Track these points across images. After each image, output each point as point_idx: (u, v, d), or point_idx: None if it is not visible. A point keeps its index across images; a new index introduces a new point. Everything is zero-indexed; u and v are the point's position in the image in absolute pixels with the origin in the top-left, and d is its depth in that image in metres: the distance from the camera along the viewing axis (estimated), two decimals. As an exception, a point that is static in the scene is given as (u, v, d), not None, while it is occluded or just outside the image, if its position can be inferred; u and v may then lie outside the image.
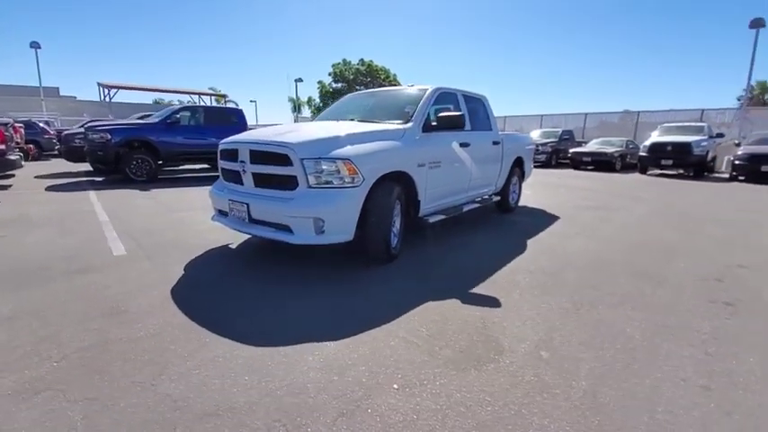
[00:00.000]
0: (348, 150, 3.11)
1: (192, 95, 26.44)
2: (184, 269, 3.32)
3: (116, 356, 2.02)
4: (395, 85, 28.60)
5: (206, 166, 11.97)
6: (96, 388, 1.77)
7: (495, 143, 5.28)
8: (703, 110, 18.15)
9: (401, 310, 2.62)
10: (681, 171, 13.48)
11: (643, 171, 13.94)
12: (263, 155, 3.20)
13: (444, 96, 4.46)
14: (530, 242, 4.41)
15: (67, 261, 3.45)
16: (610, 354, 2.15)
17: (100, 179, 8.94)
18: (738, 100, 35.30)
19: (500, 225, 5.35)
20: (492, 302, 2.78)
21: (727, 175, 13.21)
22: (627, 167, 15.26)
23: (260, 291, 2.93)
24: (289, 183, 3.11)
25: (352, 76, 27.18)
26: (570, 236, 4.72)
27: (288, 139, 3.12)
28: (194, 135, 9.27)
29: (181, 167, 11.07)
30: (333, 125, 3.66)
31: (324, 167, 3.01)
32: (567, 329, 2.42)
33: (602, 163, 14.96)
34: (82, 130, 9.00)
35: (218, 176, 3.96)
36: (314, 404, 1.69)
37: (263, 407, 1.67)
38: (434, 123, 3.94)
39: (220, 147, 3.70)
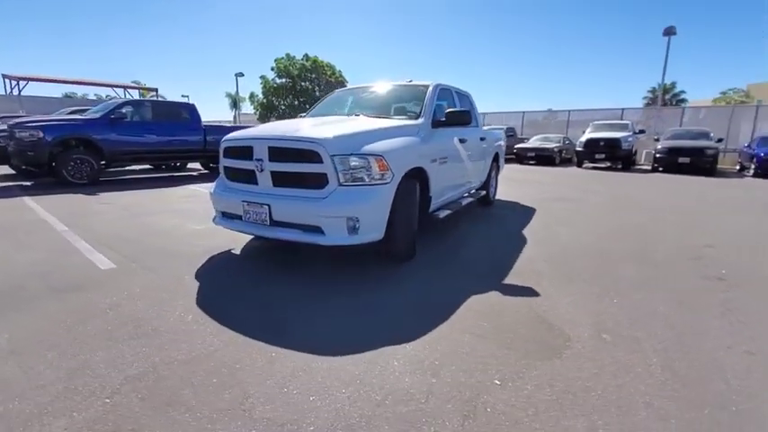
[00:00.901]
0: (379, 146, 3.01)
1: (116, 89, 23.74)
2: (196, 279, 3.00)
3: (178, 383, 1.76)
4: (341, 82, 28.38)
5: (148, 166, 10.94)
6: (180, 424, 1.53)
7: (482, 139, 5.45)
8: (623, 108, 20.35)
9: (449, 305, 2.61)
10: (609, 164, 15.04)
11: (579, 164, 15.33)
12: (286, 152, 2.98)
13: (443, 92, 4.50)
14: (525, 233, 4.62)
15: (43, 278, 2.94)
16: (659, 331, 2.33)
17: (29, 183, 7.73)
18: (644, 99, 40.05)
19: (490, 218, 5.55)
20: (529, 292, 2.88)
21: (648, 167, 15.00)
22: (564, 162, 16.67)
23: (293, 295, 2.74)
24: (316, 181, 2.93)
25: (296, 72, 26.26)
26: (554, 226, 5.03)
27: (315, 135, 2.94)
28: (142, 132, 8.38)
29: (119, 168, 9.95)
30: (350, 120, 3.52)
31: (356, 164, 2.89)
32: (611, 312, 2.57)
33: (543, 158, 16.16)
34: (4, 127, 7.68)
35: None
36: (431, 410, 1.62)
37: (382, 419, 1.56)
38: (443, 119, 3.96)
39: (225, 144, 3.38)
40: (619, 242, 4.35)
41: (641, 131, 15.78)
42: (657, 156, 13.66)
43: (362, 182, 2.92)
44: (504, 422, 1.56)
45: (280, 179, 3.04)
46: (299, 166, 2.96)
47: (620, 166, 14.76)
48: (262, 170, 3.06)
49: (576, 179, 11.05)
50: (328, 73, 27.00)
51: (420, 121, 3.77)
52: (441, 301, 2.68)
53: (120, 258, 3.43)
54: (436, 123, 3.94)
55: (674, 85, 39.75)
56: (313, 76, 26.76)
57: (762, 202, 7.67)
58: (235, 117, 32.85)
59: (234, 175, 3.35)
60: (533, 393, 1.74)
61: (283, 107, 27.19)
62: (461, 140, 4.51)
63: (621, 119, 18.56)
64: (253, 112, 28.58)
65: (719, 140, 13.72)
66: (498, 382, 1.81)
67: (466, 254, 3.82)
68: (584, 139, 14.95)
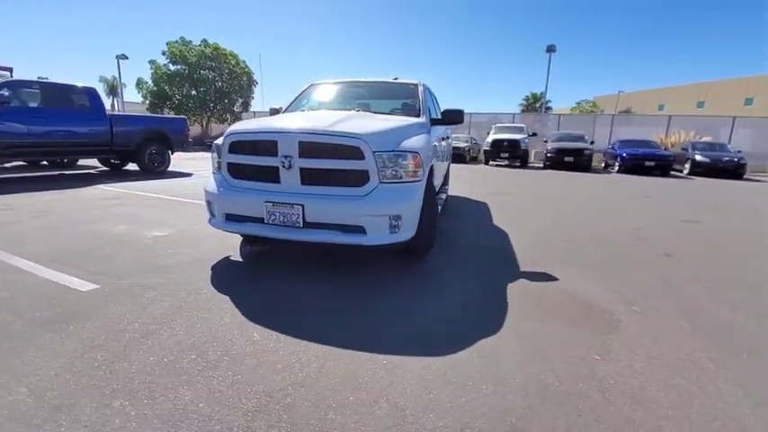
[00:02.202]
0: (412, 143, 2.99)
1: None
2: (220, 292, 2.60)
3: (314, 408, 1.56)
4: (246, 72, 26.46)
5: (21, 163, 8.77)
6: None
7: (446, 138, 5.74)
8: (514, 114, 23.21)
9: (488, 295, 2.77)
10: (508, 162, 17.07)
11: (487, 162, 17.07)
12: (322, 147, 2.76)
13: (427, 90, 4.62)
14: (498, 224, 5.05)
15: (11, 308, 2.25)
16: (667, 300, 2.82)
17: None
18: (519, 106, 45.91)
19: (458, 212, 5.87)
20: (547, 277, 3.19)
21: (538, 165, 17.42)
22: (472, 159, 18.35)
23: (344, 300, 2.58)
24: (356, 178, 2.79)
25: (194, 59, 23.43)
26: (515, 218, 5.59)
27: (356, 130, 2.79)
28: (29, 121, 6.70)
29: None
30: (370, 116, 3.39)
31: (396, 161, 2.83)
32: (619, 288, 3.01)
33: (456, 156, 17.53)
34: None
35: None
36: (572, 391, 1.73)
37: (542, 405, 1.62)
38: (439, 118, 4.08)
39: (234, 138, 2.97)
40: (571, 229, 5.04)
41: (533, 134, 18.19)
42: (548, 155, 15.96)
43: (400, 179, 2.88)
44: (633, 389, 1.76)
45: (311, 177, 2.80)
46: (337, 163, 2.78)
47: (518, 164, 16.83)
48: (290, 167, 2.79)
49: (490, 176, 12.29)
50: (232, 62, 24.81)
51: (423, 119, 3.83)
52: (483, 295, 2.81)
53: (95, 277, 2.77)
54: (433, 121, 4.05)
55: (542, 94, 46.46)
56: (214, 64, 24.29)
57: (638, 191, 9.58)
58: (113, 105, 28.02)
59: (246, 172, 2.97)
60: (631, 362, 1.98)
61: (179, 97, 24.12)
62: (443, 138, 4.70)
63: (513, 122, 21.16)
64: (140, 100, 24.75)
65: (592, 143, 16.64)
66: (599, 357, 2.02)
67: (468, 248, 4.02)
68: (490, 139, 16.66)
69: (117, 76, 23.85)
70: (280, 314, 2.35)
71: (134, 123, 8.35)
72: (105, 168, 9.69)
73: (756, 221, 6.27)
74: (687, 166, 15.46)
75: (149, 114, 9.66)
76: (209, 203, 3.16)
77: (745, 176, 14.95)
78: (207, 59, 23.90)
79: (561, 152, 15.53)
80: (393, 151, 2.82)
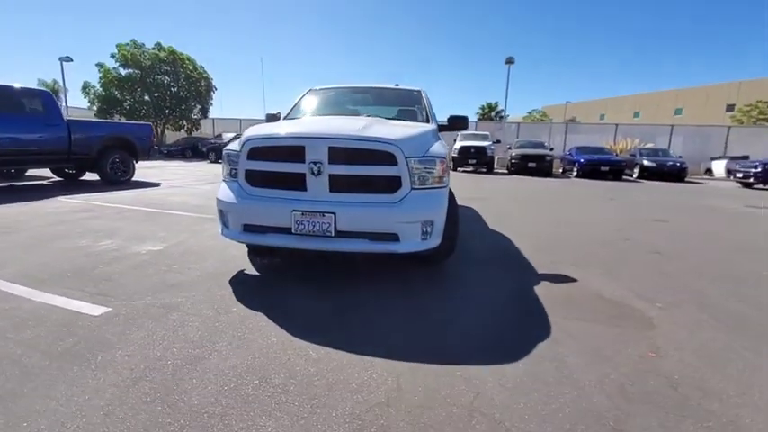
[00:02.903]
0: (437, 148, 2.98)
1: None
2: (251, 309, 2.41)
3: (413, 427, 1.47)
4: (205, 78, 25.34)
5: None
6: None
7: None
8: (476, 121, 24.04)
9: (521, 297, 2.80)
10: (473, 168, 17.58)
11: (455, 168, 17.46)
12: (353, 153, 2.66)
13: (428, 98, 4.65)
14: (496, 229, 5.15)
15: (19, 341, 1.94)
16: (681, 296, 2.99)
17: None
18: (476, 114, 47.57)
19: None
20: (565, 278, 3.28)
21: (502, 171, 18.10)
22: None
23: (368, 318, 2.48)
24: (388, 185, 2.72)
25: (148, 63, 21.94)
26: (505, 220, 5.74)
27: (389, 135, 2.72)
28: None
29: None
30: (383, 121, 3.33)
31: (426, 166, 2.79)
32: (634, 286, 3.15)
33: (425, 162, 17.83)
34: None
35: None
36: (649, 389, 1.77)
37: (629, 403, 1.64)
38: (445, 124, 4.10)
39: (254, 143, 2.79)
40: (561, 229, 5.26)
41: (497, 141, 18.91)
42: (513, 161, 16.65)
43: (429, 185, 2.84)
44: (697, 382, 1.83)
45: (341, 184, 2.70)
46: (368, 169, 2.70)
47: (484, 170, 17.39)
48: (318, 174, 2.66)
49: (460, 182, 12.56)
50: (189, 67, 23.58)
51: (433, 125, 3.84)
52: (516, 297, 2.84)
53: (102, 299, 2.48)
54: (440, 128, 4.06)
55: (497, 104, 48.47)
56: (171, 68, 22.92)
57: (600, 194, 10.22)
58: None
59: (267, 180, 2.80)
60: (682, 357, 2.06)
61: (130, 102, 22.46)
62: (443, 145, 4.74)
63: (476, 130, 21.91)
64: (87, 105, 22.77)
65: (551, 149, 17.60)
66: (653, 354, 2.09)
67: (479, 252, 4.05)
68: (458, 146, 17.08)
69: (58, 80, 21.89)
70: (326, 330, 2.22)
71: (95, 129, 7.66)
72: (59, 179, 8.80)
73: (717, 220, 6.88)
74: (636, 170, 16.76)
75: (112, 120, 8.84)
76: (222, 213, 2.94)
77: (686, 179, 16.46)
78: (162, 63, 22.56)
79: (525, 158, 16.26)
80: (423, 157, 2.79)
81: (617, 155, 18.26)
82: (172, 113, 23.33)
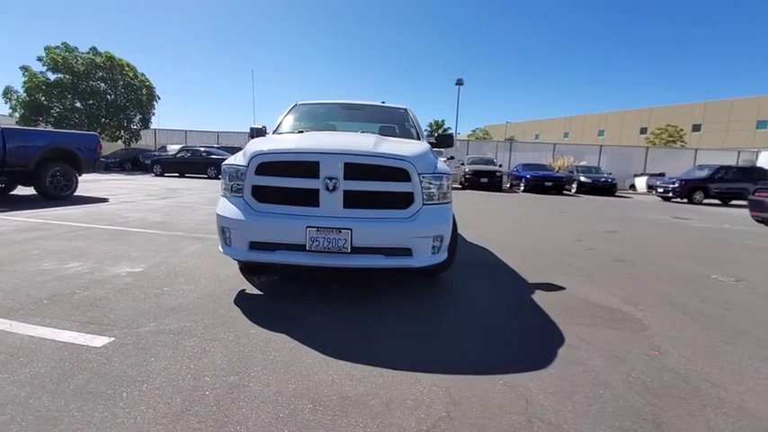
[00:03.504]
0: (442, 165, 3.09)
1: None
2: (272, 330, 2.31)
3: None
4: (147, 86, 23.77)
5: None
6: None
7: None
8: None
9: (522, 305, 2.97)
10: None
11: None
12: (369, 169, 2.68)
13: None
14: (471, 240, 5.37)
15: (29, 380, 1.68)
16: (655, 299, 3.33)
17: None
18: (425, 131, 49.24)
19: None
20: (556, 287, 3.51)
21: (458, 186, 18.88)
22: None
23: (392, 331, 2.51)
24: (401, 200, 2.76)
25: (82, 68, 19.93)
26: (478, 232, 6.01)
27: (403, 152, 2.79)
28: None
29: None
30: (385, 138, 3.38)
31: (435, 182, 2.88)
32: (614, 291, 3.46)
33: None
34: None
35: None
36: (666, 391, 1.96)
37: (660, 399, 1.80)
38: (433, 141, 4.25)
39: (264, 158, 2.70)
40: (529, 240, 5.63)
41: (451, 157, 19.73)
42: (466, 176, 17.47)
43: (436, 200, 2.93)
44: (702, 374, 2.05)
45: (355, 200, 2.70)
46: (382, 185, 2.73)
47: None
48: (333, 189, 2.64)
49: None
50: (129, 74, 21.87)
51: (425, 142, 3.96)
52: (517, 305, 3.00)
53: (97, 327, 2.23)
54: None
55: (444, 121, 50.60)
56: (107, 75, 21.06)
57: (550, 207, 11.05)
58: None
59: (277, 196, 2.72)
60: (681, 353, 2.31)
61: (59, 109, 20.22)
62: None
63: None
64: (8, 112, 20.07)
65: (500, 165, 18.70)
66: (656, 352, 2.31)
67: (470, 265, 4.20)
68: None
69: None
70: (355, 346, 2.19)
71: (33, 139, 6.83)
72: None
73: (656, 230, 7.72)
74: (574, 185, 18.33)
75: (54, 129, 7.79)
76: (224, 230, 2.79)
77: (616, 193, 18.29)
78: (98, 69, 20.72)
79: (478, 174, 17.13)
80: (434, 173, 2.88)
81: (557, 171, 19.83)
82: (108, 123, 21.45)
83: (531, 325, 2.65)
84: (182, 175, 17.24)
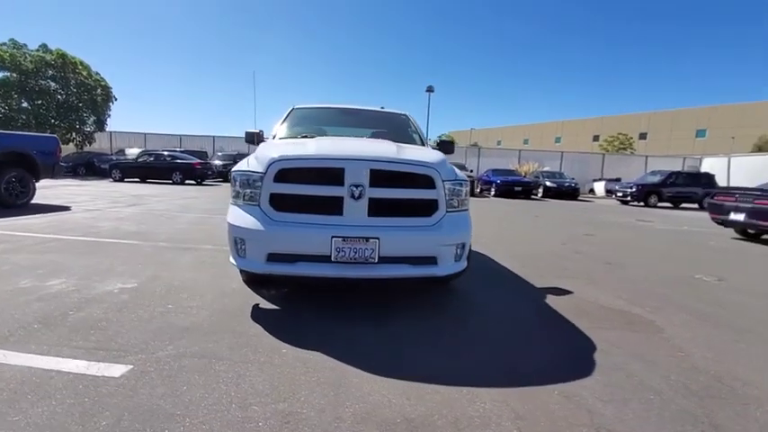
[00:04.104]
0: (461, 173, 3.06)
1: None
2: (302, 348, 2.16)
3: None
4: (103, 86, 22.27)
5: None
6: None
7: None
8: (399, 144, 25.07)
9: (538, 310, 3.00)
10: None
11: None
12: (394, 176, 2.60)
13: (413, 122, 4.75)
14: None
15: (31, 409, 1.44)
16: (669, 299, 3.47)
17: None
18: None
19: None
20: (563, 291, 3.58)
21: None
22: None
23: (428, 344, 2.45)
24: (425, 208, 2.71)
25: (31, 66, 18.20)
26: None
27: (427, 158, 2.73)
28: None
29: None
30: (402, 144, 3.31)
31: (457, 189, 2.85)
32: (618, 294, 3.57)
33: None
34: None
35: None
36: (709, 392, 2.02)
37: (695, 395, 1.85)
38: (437, 147, 4.23)
39: (284, 165, 2.54)
40: (518, 244, 5.76)
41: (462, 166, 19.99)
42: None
43: (459, 208, 2.90)
44: (729, 374, 2.14)
45: (380, 208, 2.60)
46: (407, 192, 2.67)
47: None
48: (359, 197, 2.54)
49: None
50: (83, 73, 20.31)
51: (430, 149, 3.94)
52: (534, 311, 3.03)
53: (107, 354, 1.99)
54: (432, 151, 4.19)
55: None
56: (58, 74, 19.40)
57: (524, 210, 11.41)
58: None
59: (297, 204, 2.57)
60: (703, 354, 2.39)
61: (4, 109, 18.33)
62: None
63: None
64: None
65: (471, 171, 19.14)
66: (682, 353, 2.38)
67: (474, 270, 4.19)
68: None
69: None
70: (399, 361, 2.10)
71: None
72: None
73: (627, 233, 8.15)
74: (540, 190, 19.09)
75: (10, 132, 6.90)
76: (237, 242, 2.61)
77: (578, 197, 19.24)
78: (48, 67, 19.08)
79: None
80: (455, 180, 2.84)
81: (524, 176, 20.59)
82: (58, 124, 19.80)
83: (559, 331, 2.66)
84: (143, 181, 16.25)
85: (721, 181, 19.41)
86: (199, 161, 16.14)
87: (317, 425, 1.54)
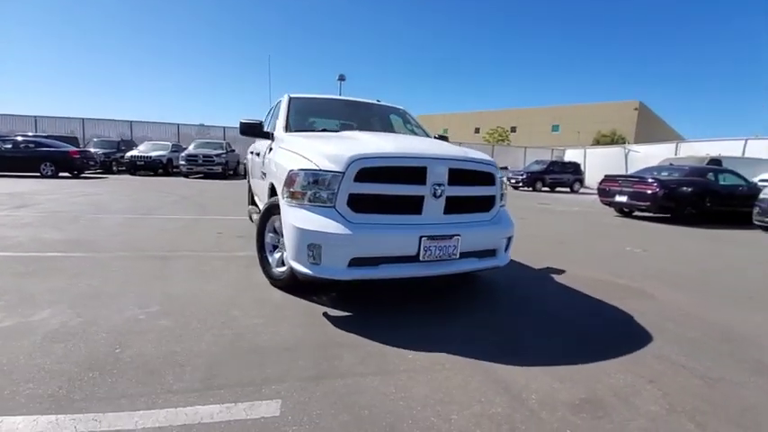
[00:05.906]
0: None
1: None
2: (436, 353, 2.13)
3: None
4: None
5: None
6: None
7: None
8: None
9: (552, 287, 3.46)
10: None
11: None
12: (466, 174, 2.68)
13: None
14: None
15: None
16: (653, 273, 4.24)
17: None
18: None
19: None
20: (559, 270, 4.11)
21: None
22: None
23: (495, 340, 2.65)
24: (486, 204, 2.86)
25: None
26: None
27: (485, 157, 2.88)
28: None
29: None
30: (431, 140, 3.33)
31: (503, 185, 3.06)
32: (616, 270, 4.25)
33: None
34: None
35: None
36: (726, 351, 2.62)
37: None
38: (436, 141, 4.36)
39: (366, 163, 2.39)
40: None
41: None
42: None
43: (504, 203, 3.11)
44: (741, 339, 2.80)
45: (454, 205, 2.66)
46: (476, 190, 2.78)
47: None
48: (439, 196, 2.55)
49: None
50: None
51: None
52: (548, 287, 3.46)
53: (227, 393, 1.68)
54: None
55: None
56: None
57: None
58: None
59: (377, 204, 2.45)
60: (713, 318, 3.05)
61: None
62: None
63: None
64: None
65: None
66: (683, 311, 3.02)
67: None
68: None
69: None
70: (513, 353, 2.22)
71: None
72: None
73: (544, 216, 9.47)
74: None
75: None
76: (316, 248, 2.38)
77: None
78: None
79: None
80: (501, 177, 3.04)
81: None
82: None
83: (589, 304, 3.09)
84: (-7, 175, 12.62)
85: (581, 169, 23.70)
86: (76, 149, 13.20)
87: (526, 418, 1.60)
